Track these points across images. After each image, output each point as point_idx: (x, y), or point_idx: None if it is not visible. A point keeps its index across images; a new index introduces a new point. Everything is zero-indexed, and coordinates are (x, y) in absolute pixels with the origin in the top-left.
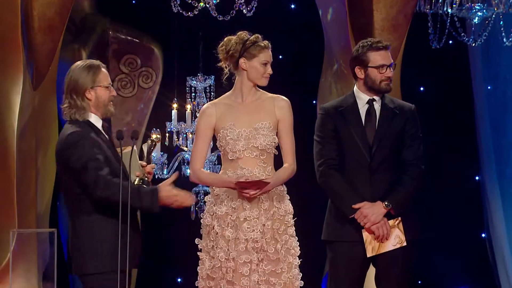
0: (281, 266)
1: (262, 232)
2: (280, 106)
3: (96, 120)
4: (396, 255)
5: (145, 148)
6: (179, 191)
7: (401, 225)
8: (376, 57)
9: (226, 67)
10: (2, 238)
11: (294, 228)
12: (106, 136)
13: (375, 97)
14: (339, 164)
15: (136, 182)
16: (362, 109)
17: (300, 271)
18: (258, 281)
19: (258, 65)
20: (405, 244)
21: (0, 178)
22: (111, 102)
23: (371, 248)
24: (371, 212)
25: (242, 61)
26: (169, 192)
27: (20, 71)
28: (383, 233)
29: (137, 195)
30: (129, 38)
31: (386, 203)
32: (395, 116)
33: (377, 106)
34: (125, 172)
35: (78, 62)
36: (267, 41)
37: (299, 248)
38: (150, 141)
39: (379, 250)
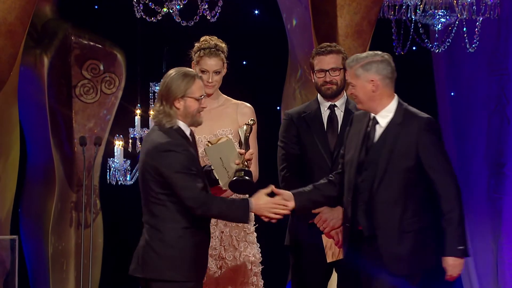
0: (238, 273)
1: (220, 239)
2: (243, 113)
3: (185, 128)
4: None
5: (241, 133)
6: (273, 200)
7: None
8: (318, 62)
9: None
10: None
11: (255, 234)
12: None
13: (337, 103)
14: (302, 169)
15: (237, 173)
16: (325, 114)
17: (262, 278)
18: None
19: (199, 72)
20: None
21: None
22: (200, 113)
23: (331, 253)
24: (330, 216)
25: (194, 66)
26: (260, 201)
27: None
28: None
29: (230, 207)
30: (91, 43)
31: None
32: None
33: (339, 112)
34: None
35: (175, 69)
36: (212, 49)
37: (260, 255)
38: (245, 125)
39: (340, 256)
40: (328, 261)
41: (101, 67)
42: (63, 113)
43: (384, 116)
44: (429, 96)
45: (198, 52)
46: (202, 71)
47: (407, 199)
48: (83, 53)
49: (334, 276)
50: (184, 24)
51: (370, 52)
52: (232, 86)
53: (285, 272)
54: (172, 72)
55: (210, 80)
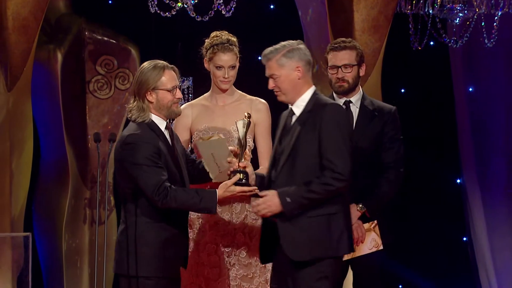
0: (253, 270)
1: (233, 236)
2: (257, 109)
3: (160, 121)
4: (372, 259)
5: (240, 125)
6: (240, 189)
7: (377, 228)
8: (331, 57)
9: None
10: None
11: None
12: (169, 138)
13: (352, 99)
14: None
15: (233, 175)
16: None
17: None
18: (230, 286)
19: (214, 68)
20: (381, 247)
21: None
22: (177, 104)
23: None
24: None
25: (206, 63)
26: (226, 188)
27: None
28: (357, 236)
29: (193, 198)
30: (105, 38)
31: (360, 205)
32: (373, 118)
33: (354, 108)
34: (182, 175)
35: (147, 62)
36: (225, 44)
37: None
38: (242, 121)
39: (355, 254)
40: (343, 259)
41: (115, 63)
42: (76, 109)
43: (299, 106)
44: (446, 92)
45: (211, 49)
46: (217, 67)
47: None
48: (97, 49)
49: (350, 274)
50: (198, 19)
51: (282, 42)
52: (246, 82)
53: None
54: (143, 65)
55: (226, 76)
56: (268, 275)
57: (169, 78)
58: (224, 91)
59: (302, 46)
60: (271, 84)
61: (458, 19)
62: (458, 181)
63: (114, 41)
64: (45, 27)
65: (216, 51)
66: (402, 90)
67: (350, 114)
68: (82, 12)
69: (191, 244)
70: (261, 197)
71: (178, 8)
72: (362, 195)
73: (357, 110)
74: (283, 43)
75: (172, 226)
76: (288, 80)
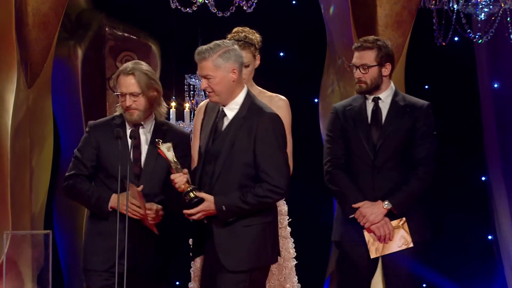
0: (271, 268)
1: None
2: (277, 106)
3: (147, 122)
4: (402, 257)
5: (165, 151)
6: (134, 202)
7: (406, 225)
8: (354, 56)
9: None
10: None
11: (288, 229)
12: (130, 141)
13: (381, 95)
14: (346, 163)
15: (187, 196)
16: (369, 108)
17: (298, 274)
18: None
19: None
20: (411, 245)
21: None
22: (128, 111)
23: (375, 249)
24: (369, 211)
25: None
26: (121, 200)
27: (14, 69)
28: (384, 233)
29: (90, 198)
30: (126, 34)
31: (386, 202)
32: (404, 114)
33: (383, 104)
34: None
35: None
36: (240, 42)
37: (294, 250)
38: (159, 144)
39: (383, 251)
40: (371, 257)
41: (136, 59)
42: (97, 106)
43: (232, 109)
44: (471, 88)
45: None
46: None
47: None
48: (118, 45)
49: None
50: (219, 15)
51: (217, 42)
52: (268, 78)
53: (323, 268)
54: None
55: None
56: (287, 272)
57: (119, 84)
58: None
59: (237, 47)
60: (204, 84)
61: (483, 14)
62: (483, 178)
63: (135, 37)
64: (66, 23)
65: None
66: (426, 86)
67: (379, 111)
68: (102, 8)
69: None
70: (199, 197)
71: (199, 4)
72: (389, 192)
73: (387, 107)
74: (217, 42)
75: (103, 221)
76: (223, 82)
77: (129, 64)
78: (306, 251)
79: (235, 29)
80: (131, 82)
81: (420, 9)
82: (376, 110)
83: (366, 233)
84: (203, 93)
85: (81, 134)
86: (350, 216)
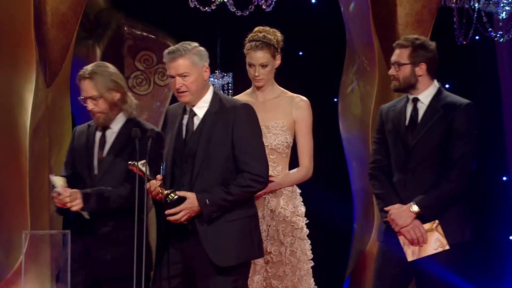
0: (284, 269)
1: (266, 232)
2: (297, 106)
3: (115, 123)
4: (438, 259)
5: (142, 168)
6: (65, 193)
7: (440, 228)
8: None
9: None
10: (14, 240)
11: (305, 230)
12: (97, 141)
13: (420, 96)
14: (389, 165)
15: (167, 199)
16: (408, 108)
17: (315, 276)
18: (261, 283)
19: (247, 65)
20: (447, 247)
21: (13, 178)
22: (94, 115)
23: (411, 252)
24: (397, 215)
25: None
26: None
27: (32, 68)
28: (416, 236)
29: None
30: (144, 34)
31: (414, 206)
32: (441, 115)
33: (421, 105)
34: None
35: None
36: (258, 42)
37: (310, 252)
38: (135, 165)
39: (420, 254)
40: (408, 260)
41: (154, 58)
42: None
43: (201, 107)
44: (492, 87)
45: (247, 45)
46: (249, 65)
47: None
48: (136, 44)
49: None
50: (238, 14)
51: (183, 43)
52: (287, 77)
53: (342, 270)
54: None
55: (256, 74)
56: (301, 273)
57: (80, 88)
58: (258, 88)
59: (202, 47)
60: (178, 83)
61: (504, 12)
62: (504, 178)
63: (153, 37)
64: (84, 22)
65: (250, 48)
66: (447, 86)
67: (416, 112)
68: (121, 7)
69: None
70: (180, 196)
71: (218, 3)
72: (421, 195)
73: (425, 107)
74: (183, 43)
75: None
76: (198, 80)
77: (88, 67)
78: (324, 252)
79: (256, 29)
80: (89, 86)
81: (441, 7)
82: (414, 111)
83: (400, 237)
84: (222, 92)
85: None
86: (384, 220)
